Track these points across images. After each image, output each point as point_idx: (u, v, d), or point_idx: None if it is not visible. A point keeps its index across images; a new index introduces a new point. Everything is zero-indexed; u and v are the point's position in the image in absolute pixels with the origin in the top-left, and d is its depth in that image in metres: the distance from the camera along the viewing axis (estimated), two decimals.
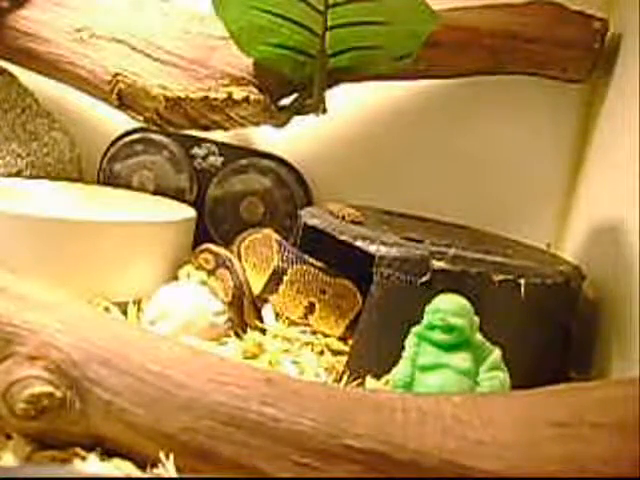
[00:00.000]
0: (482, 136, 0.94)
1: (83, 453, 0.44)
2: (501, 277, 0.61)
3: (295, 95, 0.77)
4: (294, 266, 0.72)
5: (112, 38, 0.76)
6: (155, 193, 0.93)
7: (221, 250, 0.77)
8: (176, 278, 0.77)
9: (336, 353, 0.69)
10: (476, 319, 0.54)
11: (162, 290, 0.72)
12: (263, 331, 0.72)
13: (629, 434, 0.39)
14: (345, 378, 0.62)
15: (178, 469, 0.42)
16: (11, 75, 0.88)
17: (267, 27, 0.70)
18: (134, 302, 0.72)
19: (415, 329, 0.55)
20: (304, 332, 0.71)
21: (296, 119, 0.77)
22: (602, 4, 0.84)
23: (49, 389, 0.43)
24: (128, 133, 0.94)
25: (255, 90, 0.73)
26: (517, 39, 0.80)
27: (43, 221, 0.68)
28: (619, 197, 0.71)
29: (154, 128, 0.85)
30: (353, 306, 0.70)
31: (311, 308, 0.71)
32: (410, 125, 0.95)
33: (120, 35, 0.76)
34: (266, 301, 0.73)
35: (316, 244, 0.75)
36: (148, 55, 0.75)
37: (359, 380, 0.62)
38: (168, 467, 0.42)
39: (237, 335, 0.71)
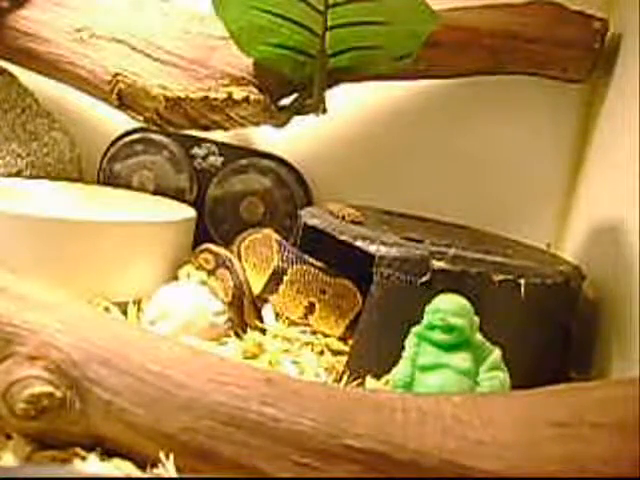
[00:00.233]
0: (482, 136, 0.94)
1: (83, 453, 0.44)
2: (501, 277, 0.61)
3: (295, 95, 0.77)
4: (294, 266, 0.72)
5: (112, 38, 0.76)
6: (155, 193, 0.93)
7: (221, 250, 0.77)
8: (176, 278, 0.77)
9: (336, 353, 0.69)
10: (476, 319, 0.54)
11: (162, 290, 0.72)
12: (263, 331, 0.72)
13: (629, 434, 0.39)
14: (345, 378, 0.62)
15: (178, 469, 0.42)
16: (11, 75, 0.88)
17: (267, 27, 0.70)
18: (134, 302, 0.72)
19: (415, 329, 0.55)
20: (304, 332, 0.71)
21: (296, 119, 0.77)
22: (602, 4, 0.84)
23: (49, 389, 0.43)
24: (128, 133, 0.94)
25: (255, 90, 0.73)
26: (517, 39, 0.80)
27: (43, 221, 0.68)
28: (619, 197, 0.71)
29: (154, 128, 0.85)
30: (353, 306, 0.70)
31: (311, 308, 0.71)
32: (410, 125, 0.95)
33: (120, 35, 0.76)
34: (266, 301, 0.73)
35: (316, 244, 0.75)
36: (148, 55, 0.75)
37: (359, 380, 0.62)
38: (168, 467, 0.42)
39: (237, 335, 0.71)
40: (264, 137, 0.95)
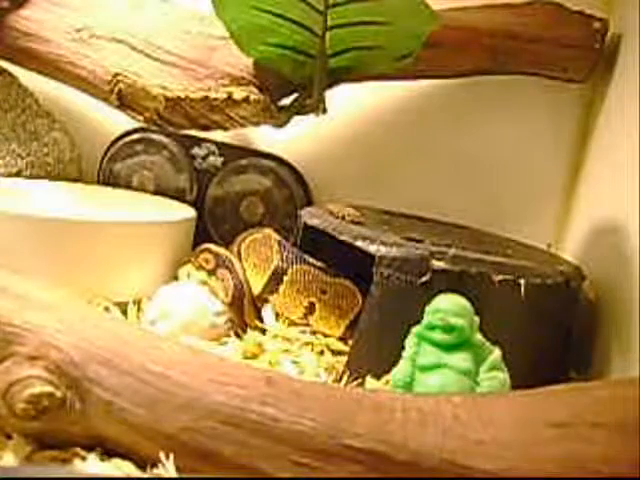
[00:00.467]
0: (482, 136, 0.94)
1: (83, 453, 0.44)
2: (501, 277, 0.61)
3: (295, 95, 0.77)
4: (294, 266, 0.72)
5: (112, 38, 0.76)
6: (155, 193, 0.93)
7: (221, 250, 0.77)
8: (176, 278, 0.77)
9: (336, 353, 0.69)
10: (476, 319, 0.54)
11: (162, 290, 0.72)
12: (263, 331, 0.72)
13: (629, 434, 0.39)
14: (345, 378, 0.62)
15: (178, 469, 0.42)
16: (11, 75, 0.88)
17: (267, 27, 0.70)
18: (134, 302, 0.72)
19: (415, 329, 0.55)
20: (304, 332, 0.71)
21: (296, 119, 0.77)
22: (602, 4, 0.84)
23: (49, 389, 0.43)
24: (128, 133, 0.94)
25: (255, 90, 0.73)
26: (517, 39, 0.80)
27: (43, 221, 0.68)
28: (619, 197, 0.71)
29: (154, 128, 0.85)
30: (353, 306, 0.70)
31: (311, 308, 0.71)
32: (410, 125, 0.95)
33: (120, 35, 0.76)
34: (266, 301, 0.73)
35: (316, 244, 0.75)
36: (148, 55, 0.75)
37: (359, 380, 0.62)
38: (168, 467, 0.42)
39: (237, 335, 0.71)
40: (264, 137, 0.95)
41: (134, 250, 0.73)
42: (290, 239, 0.78)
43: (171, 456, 0.42)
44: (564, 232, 0.91)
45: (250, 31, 0.70)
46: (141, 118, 0.76)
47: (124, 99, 0.75)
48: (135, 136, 0.94)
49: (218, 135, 0.90)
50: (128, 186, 0.94)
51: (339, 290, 0.70)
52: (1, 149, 0.84)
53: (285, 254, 0.72)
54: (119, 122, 0.92)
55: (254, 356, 0.67)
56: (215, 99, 0.72)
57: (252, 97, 0.72)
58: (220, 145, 0.94)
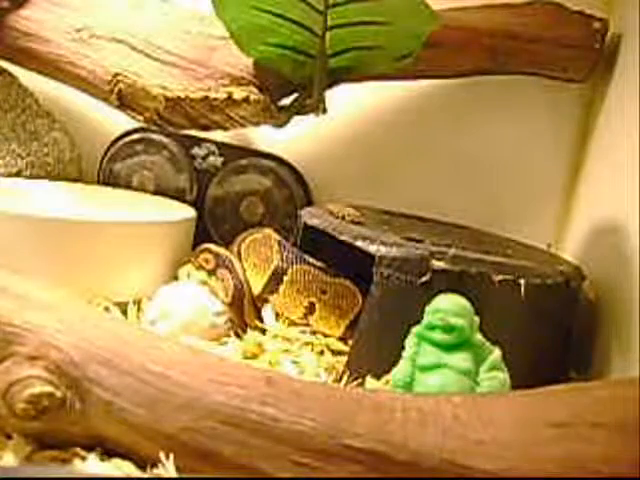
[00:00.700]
0: (482, 136, 0.94)
1: (83, 453, 0.44)
2: (501, 277, 0.61)
3: (295, 95, 0.77)
4: (294, 266, 0.72)
5: (112, 38, 0.76)
6: (155, 193, 0.93)
7: (221, 250, 0.77)
8: (176, 278, 0.77)
9: (336, 353, 0.69)
10: (476, 319, 0.54)
11: (162, 290, 0.72)
12: (263, 331, 0.72)
13: (629, 434, 0.39)
14: (345, 378, 0.62)
15: (178, 469, 0.42)
16: (11, 75, 0.88)
17: (267, 27, 0.70)
18: (134, 302, 0.72)
19: (415, 329, 0.55)
20: (304, 332, 0.71)
21: (296, 119, 0.77)
22: (602, 4, 0.84)
23: (49, 389, 0.43)
24: (128, 133, 0.94)
25: (255, 90, 0.73)
26: (517, 39, 0.80)
27: (43, 221, 0.68)
28: (619, 197, 0.71)
29: (154, 128, 0.85)
30: (353, 306, 0.70)
31: (311, 308, 0.71)
32: (410, 125, 0.95)
33: (120, 35, 0.76)
34: (266, 301, 0.73)
35: (316, 244, 0.75)
36: (148, 55, 0.75)
37: (359, 380, 0.62)
38: (168, 467, 0.42)
39: (237, 335, 0.71)
40: (264, 137, 0.95)
41: (134, 250, 0.73)
42: (290, 239, 0.78)
43: (171, 456, 0.42)
44: (564, 232, 0.91)
45: (250, 31, 0.70)
46: (141, 118, 0.76)
47: (124, 99, 0.75)
48: (135, 136, 0.94)
49: (218, 135, 0.90)
50: (128, 186, 0.94)
51: (339, 290, 0.70)
52: (1, 149, 0.84)
53: (285, 254, 0.72)
54: (119, 122, 0.92)
55: (254, 356, 0.67)
56: (215, 99, 0.72)
57: (252, 97, 0.72)
58: (220, 145, 0.94)
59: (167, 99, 0.73)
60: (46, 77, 0.82)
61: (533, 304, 0.63)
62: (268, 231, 0.77)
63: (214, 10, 0.69)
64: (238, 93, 0.72)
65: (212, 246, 0.78)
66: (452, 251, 0.63)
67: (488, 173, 0.95)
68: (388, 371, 0.57)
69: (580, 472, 0.39)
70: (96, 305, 0.68)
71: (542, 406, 0.42)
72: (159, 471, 0.42)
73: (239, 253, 0.77)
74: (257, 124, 0.76)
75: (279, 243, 0.74)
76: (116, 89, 0.75)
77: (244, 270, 0.75)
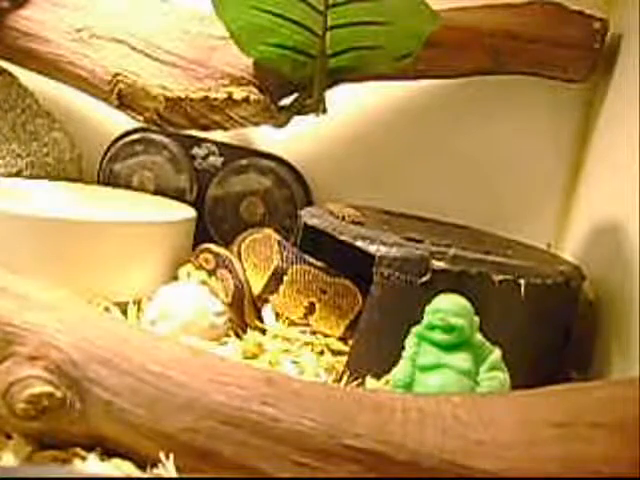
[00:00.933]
0: (482, 136, 0.94)
1: (83, 453, 0.44)
2: (501, 277, 0.61)
3: (295, 95, 0.77)
4: (294, 266, 0.72)
5: (112, 38, 0.76)
6: (155, 193, 0.93)
7: (221, 250, 0.77)
8: (176, 278, 0.77)
9: (336, 353, 0.69)
10: (476, 319, 0.54)
11: (162, 290, 0.72)
12: (263, 331, 0.72)
13: (629, 434, 0.39)
14: (345, 378, 0.62)
15: (178, 469, 0.42)
16: (11, 75, 0.88)
17: (267, 27, 0.70)
18: (134, 302, 0.72)
19: (415, 329, 0.55)
20: (304, 332, 0.71)
21: (296, 119, 0.77)
22: (602, 4, 0.84)
23: (49, 389, 0.43)
24: (128, 133, 0.94)
25: (255, 90, 0.73)
26: (517, 39, 0.80)
27: (43, 221, 0.68)
28: (619, 197, 0.71)
29: (154, 128, 0.85)
30: (353, 306, 0.70)
31: (311, 308, 0.71)
32: (410, 125, 0.95)
33: (120, 35, 0.76)
34: (266, 301, 0.73)
35: (316, 244, 0.75)
36: (148, 55, 0.75)
37: (359, 380, 0.62)
38: (168, 467, 0.42)
39: (237, 335, 0.71)
40: (264, 137, 0.95)
41: (134, 250, 0.73)
42: (290, 239, 0.78)
43: (171, 456, 0.42)
44: (564, 232, 0.91)
45: (250, 31, 0.70)
46: (141, 118, 0.76)
47: (124, 99, 0.75)
48: (135, 136, 0.94)
49: (218, 135, 0.90)
50: (128, 186, 0.94)
51: (339, 290, 0.70)
52: (1, 149, 0.84)
53: (285, 254, 0.72)
54: (119, 122, 0.92)
55: (254, 356, 0.67)
56: (215, 99, 0.72)
57: (252, 97, 0.72)
58: (220, 145, 0.94)
59: (167, 99, 0.73)
60: (46, 77, 0.82)
61: (533, 304, 0.63)
62: (268, 231, 0.77)
63: (214, 10, 0.69)
64: (238, 93, 0.72)
65: (212, 246, 0.78)
66: (452, 251, 0.63)
67: (488, 173, 0.95)
68: (388, 371, 0.57)
69: (580, 472, 0.39)
70: (96, 305, 0.68)
71: (542, 406, 0.42)
72: (159, 471, 0.42)
73: (239, 253, 0.77)
74: (257, 124, 0.76)
75: (279, 243, 0.74)
76: (116, 89, 0.75)
77: (244, 270, 0.75)
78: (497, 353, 0.54)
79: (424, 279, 0.61)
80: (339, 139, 0.96)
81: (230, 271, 0.74)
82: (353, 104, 0.94)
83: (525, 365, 0.59)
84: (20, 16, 0.80)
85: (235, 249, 0.78)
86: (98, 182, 0.95)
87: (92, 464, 0.43)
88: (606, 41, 0.80)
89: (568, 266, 0.69)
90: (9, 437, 0.45)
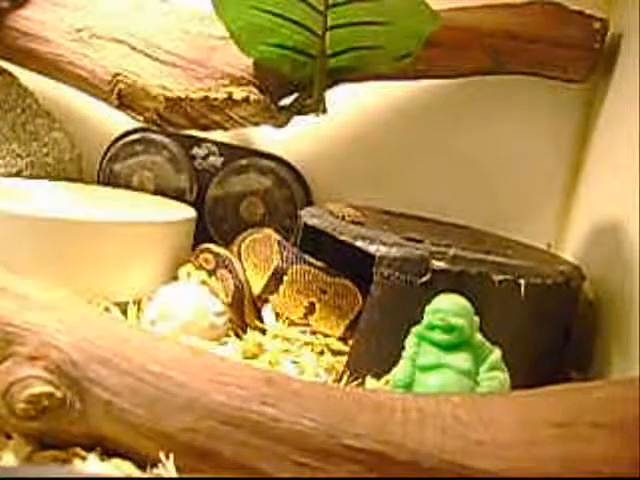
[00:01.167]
0: (482, 136, 0.94)
1: (83, 453, 0.44)
2: (501, 277, 0.61)
3: (295, 95, 0.77)
4: (294, 266, 0.72)
5: (112, 38, 0.76)
6: (155, 193, 0.93)
7: (221, 250, 0.77)
8: (176, 278, 0.77)
9: (336, 353, 0.69)
10: (476, 319, 0.54)
11: (162, 290, 0.72)
12: (263, 331, 0.72)
13: (629, 434, 0.39)
14: (345, 378, 0.62)
15: (178, 469, 0.42)
16: (11, 75, 0.88)
17: (267, 27, 0.70)
18: (134, 302, 0.72)
19: (415, 329, 0.55)
20: (304, 332, 0.71)
21: (296, 119, 0.77)
22: (602, 4, 0.84)
23: (49, 389, 0.43)
24: (128, 133, 0.94)
25: (255, 90, 0.73)
26: (517, 39, 0.80)
27: (43, 221, 0.68)
28: (619, 197, 0.71)
29: (154, 128, 0.85)
30: (353, 306, 0.70)
31: (311, 308, 0.71)
32: (410, 125, 0.95)
33: (120, 35, 0.76)
34: (266, 301, 0.73)
35: (316, 244, 0.75)
36: (148, 55, 0.75)
37: (359, 380, 0.62)
38: (168, 467, 0.42)
39: (237, 335, 0.71)
40: (264, 137, 0.95)
41: (134, 250, 0.73)
42: (290, 239, 0.78)
43: (171, 456, 0.42)
44: (564, 232, 0.91)
45: (250, 31, 0.70)
46: (141, 118, 0.76)
47: (124, 99, 0.75)
48: (135, 136, 0.94)
49: (218, 135, 0.90)
50: (128, 186, 0.94)
51: (339, 290, 0.70)
52: (1, 149, 0.84)
53: (285, 254, 0.72)
54: (119, 122, 0.92)
55: (254, 356, 0.67)
56: (215, 99, 0.72)
57: (252, 97, 0.72)
58: (220, 145, 0.94)
59: (167, 99, 0.73)
60: (46, 77, 0.82)
61: (533, 304, 0.63)
62: (268, 231, 0.77)
63: (214, 10, 0.69)
64: (238, 93, 0.72)
65: (212, 246, 0.78)
66: (452, 251, 0.63)
67: (488, 173, 0.95)
68: (388, 371, 0.57)
69: (580, 472, 0.39)
70: (96, 305, 0.68)
71: (542, 406, 0.42)
72: (159, 471, 0.42)
73: (239, 253, 0.77)
74: (257, 124, 0.76)
75: (279, 243, 0.74)
76: (116, 89, 0.75)
77: (244, 270, 0.75)
78: (497, 353, 0.54)
79: (424, 279, 0.61)
80: (339, 139, 0.96)
81: (230, 271, 0.74)
82: (353, 104, 0.94)
83: (525, 365, 0.59)
84: (20, 16, 0.80)
85: (235, 249, 0.78)
86: (98, 182, 0.95)
87: (92, 464, 0.43)
88: (606, 41, 0.80)
89: (568, 266, 0.69)
90: (9, 437, 0.45)
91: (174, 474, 0.42)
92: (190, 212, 0.83)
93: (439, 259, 0.61)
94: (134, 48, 0.76)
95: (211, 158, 0.94)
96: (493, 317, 0.57)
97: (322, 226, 0.69)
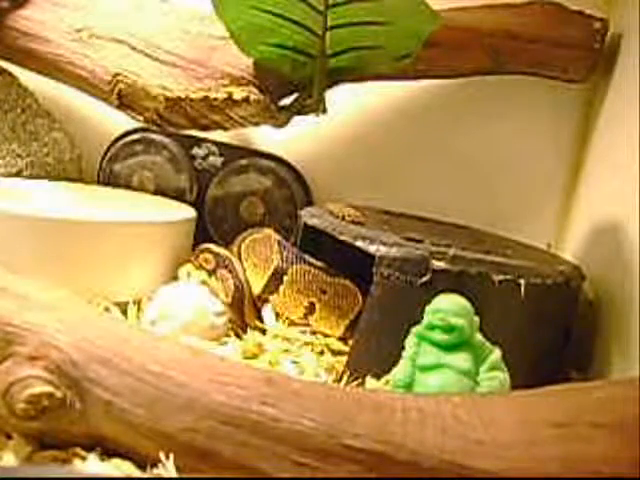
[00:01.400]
0: (482, 136, 0.94)
1: (83, 453, 0.44)
2: (501, 277, 0.61)
3: (295, 95, 0.77)
4: (294, 266, 0.72)
5: (112, 38, 0.76)
6: (155, 193, 0.93)
7: (221, 250, 0.77)
8: (176, 278, 0.76)
9: (336, 353, 0.69)
10: (476, 319, 0.54)
11: (162, 290, 0.72)
12: (263, 331, 0.72)
13: (629, 434, 0.39)
14: (345, 378, 0.62)
15: (178, 469, 0.42)
16: (11, 75, 0.88)
17: (267, 27, 0.70)
18: (134, 302, 0.72)
19: (415, 329, 0.55)
20: (304, 332, 0.71)
21: (296, 119, 0.77)
22: (602, 4, 0.84)
23: (49, 389, 0.43)
24: (128, 133, 0.94)
25: (255, 90, 0.73)
26: (517, 39, 0.80)
27: (43, 221, 0.68)
28: (619, 197, 0.71)
29: (154, 128, 0.85)
30: (353, 306, 0.70)
31: (311, 308, 0.71)
32: (410, 125, 0.95)
33: (120, 35, 0.76)
34: (266, 301, 0.73)
35: (316, 244, 0.75)
36: (148, 55, 0.75)
37: (359, 380, 0.62)
38: (168, 467, 0.42)
39: (237, 335, 0.71)
40: (264, 137, 0.95)
41: (134, 250, 0.73)
42: (290, 239, 0.78)
43: (171, 456, 0.42)
44: (564, 232, 0.91)
45: (250, 31, 0.70)
46: (141, 118, 0.76)
47: (124, 99, 0.75)
48: (135, 136, 0.94)
49: (218, 135, 0.90)
50: (128, 186, 0.94)
51: (339, 290, 0.70)
52: (1, 149, 0.84)
53: (285, 254, 0.72)
54: (119, 122, 0.92)
55: (254, 356, 0.67)
56: (215, 99, 0.72)
57: (252, 97, 0.72)
58: (220, 145, 0.94)
59: (167, 99, 0.73)
60: (46, 77, 0.82)
61: (533, 304, 0.63)
62: (268, 231, 0.77)
63: (214, 10, 0.69)
64: (238, 93, 0.72)
65: (212, 246, 0.78)
66: (452, 251, 0.63)
67: (488, 173, 0.95)
68: (388, 371, 0.57)
69: (580, 472, 0.39)
70: (96, 305, 0.68)
71: (542, 406, 0.42)
72: (159, 471, 0.42)
73: (239, 253, 0.77)
74: (257, 124, 0.76)
75: (279, 243, 0.74)
76: (116, 89, 0.75)
77: (244, 270, 0.75)
78: (497, 353, 0.54)
79: (424, 279, 0.61)
80: (339, 139, 0.96)
81: (230, 271, 0.74)
82: (353, 104, 0.94)
83: (525, 365, 0.59)
84: (20, 16, 0.80)
85: (235, 249, 0.78)
86: (98, 182, 0.95)
87: (92, 464, 0.43)
88: (606, 41, 0.80)
89: (568, 266, 0.69)
90: (9, 437, 0.45)
91: (174, 474, 0.42)
92: (190, 212, 0.83)
93: (439, 259, 0.61)
94: (134, 48, 0.76)
95: (211, 158, 0.94)
96: (493, 317, 0.57)
97: (322, 226, 0.69)
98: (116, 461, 0.43)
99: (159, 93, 0.73)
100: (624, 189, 0.69)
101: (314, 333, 0.71)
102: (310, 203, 0.94)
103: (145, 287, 0.74)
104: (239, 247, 0.77)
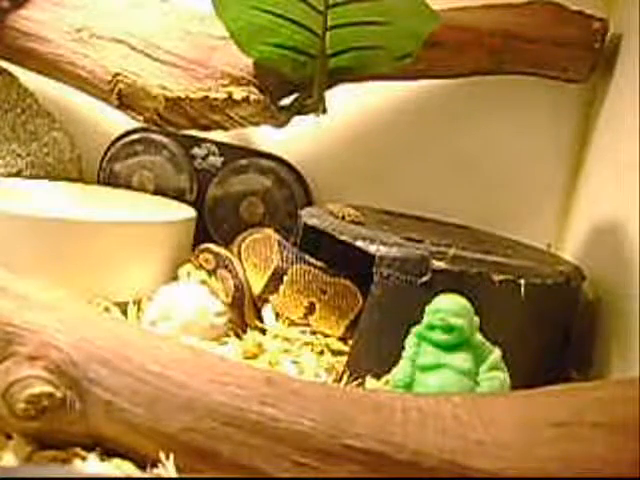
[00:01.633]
0: (482, 136, 0.94)
1: (83, 453, 0.44)
2: (501, 277, 0.61)
3: (295, 95, 0.77)
4: (294, 266, 0.72)
5: (112, 38, 0.76)
6: (155, 193, 0.93)
7: (221, 250, 0.77)
8: (176, 278, 0.77)
9: (336, 353, 0.69)
10: (476, 319, 0.54)
11: (162, 290, 0.72)
12: (263, 331, 0.72)
13: (629, 434, 0.39)
14: (345, 378, 0.62)
15: (178, 469, 0.42)
16: (11, 75, 0.88)
17: (267, 27, 0.70)
18: (134, 302, 0.72)
19: (415, 329, 0.55)
20: (304, 332, 0.71)
21: (296, 119, 0.77)
22: (602, 4, 0.84)
23: (49, 389, 0.43)
24: (128, 133, 0.94)
25: (255, 90, 0.73)
26: (517, 39, 0.80)
27: (43, 221, 0.68)
28: (619, 197, 0.71)
29: (154, 128, 0.85)
30: (353, 306, 0.70)
31: (311, 308, 0.71)
32: (410, 125, 0.95)
33: (120, 35, 0.76)
34: (266, 301, 0.73)
35: (316, 244, 0.75)
36: (148, 55, 0.75)
37: (359, 380, 0.62)
38: (168, 467, 0.42)
39: (237, 335, 0.71)
40: (264, 137, 0.95)
41: (134, 250, 0.73)
42: (290, 239, 0.78)
43: (171, 456, 0.42)
44: (564, 232, 0.91)
45: (250, 31, 0.70)
46: (141, 118, 0.76)
47: (124, 99, 0.75)
48: (135, 136, 0.94)
49: (218, 135, 0.90)
50: (128, 186, 0.94)
51: (339, 290, 0.70)
52: (1, 149, 0.84)
53: (285, 254, 0.72)
54: (119, 122, 0.92)
55: (254, 356, 0.67)
56: (215, 99, 0.72)
57: (252, 97, 0.72)
58: (220, 145, 0.94)
59: (167, 99, 0.73)
60: (46, 77, 0.82)
61: (533, 304, 0.63)
62: (268, 231, 0.77)
63: (214, 10, 0.69)
64: (238, 93, 0.72)
65: (212, 246, 0.78)
66: (452, 251, 0.63)
67: (488, 173, 0.95)
68: (388, 371, 0.57)
69: (580, 472, 0.39)
70: (96, 305, 0.68)
71: (542, 406, 0.42)
72: (159, 471, 0.42)
73: (239, 253, 0.77)
74: (257, 124, 0.76)
75: (279, 243, 0.74)
76: (116, 89, 0.75)
77: (244, 270, 0.75)
78: (497, 353, 0.54)
79: (424, 279, 0.61)
80: (339, 139, 0.96)
81: (230, 271, 0.74)
82: (353, 104, 0.94)
83: (525, 365, 0.59)
84: (20, 16, 0.80)
85: (235, 249, 0.78)
86: (98, 182, 0.95)
87: (92, 464, 0.43)
88: (606, 41, 0.80)
89: (568, 266, 0.69)
90: (9, 437, 0.45)
91: (174, 474, 0.42)
92: (190, 212, 0.83)
93: (439, 259, 0.61)
94: (134, 48, 0.76)
95: (211, 158, 0.94)
96: (493, 317, 0.57)
97: (322, 226, 0.69)
98: (116, 461, 0.43)
99: (159, 93, 0.73)
100: (624, 189, 0.69)
101: (314, 333, 0.71)
102: (310, 203, 0.94)
103: (145, 287, 0.74)
104: (239, 247, 0.77)
